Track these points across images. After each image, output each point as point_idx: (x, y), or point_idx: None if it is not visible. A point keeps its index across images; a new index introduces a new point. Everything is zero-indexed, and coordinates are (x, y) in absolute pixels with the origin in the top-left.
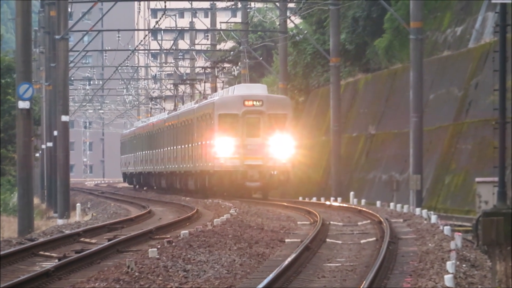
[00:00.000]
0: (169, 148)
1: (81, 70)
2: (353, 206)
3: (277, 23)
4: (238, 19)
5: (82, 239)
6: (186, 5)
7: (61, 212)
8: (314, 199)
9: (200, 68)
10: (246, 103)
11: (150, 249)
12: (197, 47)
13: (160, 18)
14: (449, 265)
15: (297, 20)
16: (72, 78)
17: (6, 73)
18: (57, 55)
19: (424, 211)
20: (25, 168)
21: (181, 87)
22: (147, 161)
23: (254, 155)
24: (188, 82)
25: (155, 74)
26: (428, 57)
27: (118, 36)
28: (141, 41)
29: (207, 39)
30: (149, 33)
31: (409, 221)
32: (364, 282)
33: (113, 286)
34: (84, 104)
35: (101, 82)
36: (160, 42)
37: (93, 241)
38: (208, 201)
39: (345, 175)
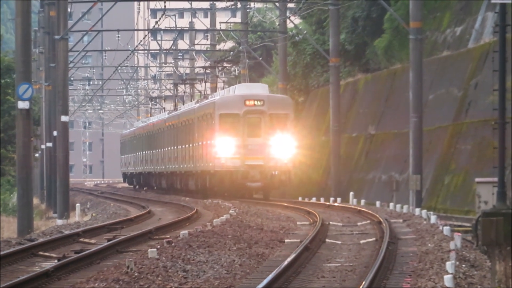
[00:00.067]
0: (169, 148)
1: (80, 70)
2: (352, 206)
3: (277, 23)
4: (238, 19)
5: (81, 239)
6: (186, 5)
7: (61, 212)
8: (313, 199)
9: (200, 68)
10: (247, 102)
11: (149, 250)
12: (197, 47)
13: (160, 18)
14: (449, 265)
15: (297, 20)
16: (72, 78)
17: (5, 73)
18: (56, 55)
19: (424, 211)
20: (25, 168)
21: (181, 87)
22: (147, 161)
23: (255, 155)
24: (188, 82)
25: (155, 74)
26: (427, 57)
27: (118, 36)
28: (141, 41)
29: (207, 39)
30: (148, 33)
31: (409, 221)
32: (364, 282)
33: (112, 287)
34: (83, 104)
35: (100, 82)
36: (159, 42)
37: (93, 241)
38: (207, 201)
39: (344, 175)
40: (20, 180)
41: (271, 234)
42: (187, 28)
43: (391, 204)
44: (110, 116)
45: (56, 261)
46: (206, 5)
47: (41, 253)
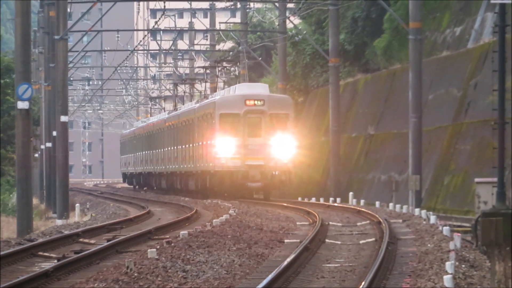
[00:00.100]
0: (169, 148)
1: (80, 70)
2: (352, 207)
3: (276, 23)
4: (237, 19)
5: (81, 239)
6: (185, 5)
7: (60, 212)
8: (313, 200)
9: (200, 68)
10: (248, 102)
11: (149, 250)
12: (196, 48)
13: (159, 18)
14: (448, 266)
15: (296, 20)
16: (71, 79)
17: (5, 74)
18: (56, 56)
19: (423, 212)
20: (24, 169)
21: (181, 87)
22: (147, 161)
23: (256, 155)
24: (187, 82)
25: (154, 75)
26: (427, 57)
27: (117, 36)
28: (140, 41)
29: (206, 39)
30: (148, 33)
31: (408, 221)
32: (363, 282)
33: (112, 287)
34: (83, 104)
35: (100, 83)
36: (159, 42)
37: (92, 241)
38: (207, 201)
39: (344, 176)
40: (20, 180)
41: (271, 234)
42: (187, 28)
43: (391, 204)
44: (109, 116)
45: (55, 261)
46: (205, 5)
47: (40, 253)
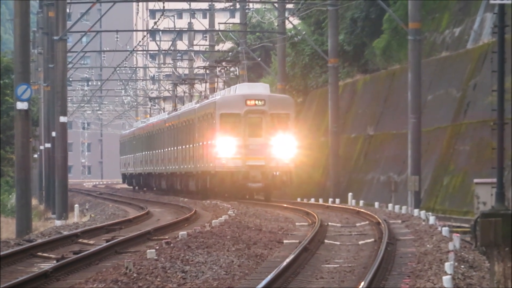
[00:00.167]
0: (169, 149)
1: (79, 71)
2: (351, 207)
3: (276, 24)
4: (237, 20)
5: (80, 240)
6: (185, 6)
7: (59, 213)
8: (312, 200)
9: (199, 69)
10: (248, 102)
11: (148, 250)
12: (196, 48)
13: (159, 19)
14: (447, 266)
15: (296, 21)
16: (71, 79)
17: (4, 74)
18: (55, 56)
19: (423, 212)
20: (23, 169)
21: (180, 88)
22: (147, 162)
23: (256, 155)
24: (187, 82)
25: (154, 75)
26: (426, 58)
27: (117, 37)
28: (140, 41)
29: (206, 39)
30: (147, 33)
31: (407, 222)
32: (363, 283)
33: (111, 287)
34: (82, 105)
35: (99, 83)
36: (158, 43)
37: (91, 242)
38: (206, 202)
39: (343, 176)
40: (19, 181)
41: (270, 235)
42: (186, 29)
43: (390, 205)
44: (108, 116)
45: (55, 261)
46: (205, 5)
47: (40, 254)
